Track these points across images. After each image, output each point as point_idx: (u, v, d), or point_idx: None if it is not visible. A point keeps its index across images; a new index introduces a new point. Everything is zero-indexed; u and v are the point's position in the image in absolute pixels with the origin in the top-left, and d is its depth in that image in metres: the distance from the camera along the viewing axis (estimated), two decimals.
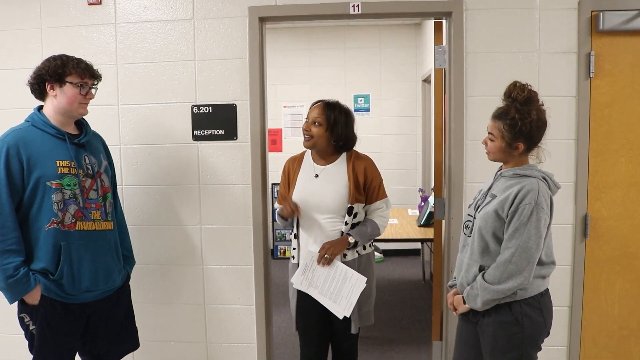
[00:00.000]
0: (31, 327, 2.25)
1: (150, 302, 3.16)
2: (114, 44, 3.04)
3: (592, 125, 2.87)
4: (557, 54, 2.85)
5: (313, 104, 2.69)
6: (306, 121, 2.65)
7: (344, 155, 2.70)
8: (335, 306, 2.56)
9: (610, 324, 2.98)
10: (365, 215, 2.69)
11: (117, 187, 3.02)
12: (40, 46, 3.04)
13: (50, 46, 3.02)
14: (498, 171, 2.25)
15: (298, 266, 2.67)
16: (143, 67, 3.04)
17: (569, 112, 2.87)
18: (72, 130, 2.37)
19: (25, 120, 2.32)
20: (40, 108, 2.35)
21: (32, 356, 2.28)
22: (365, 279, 2.56)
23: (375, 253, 6.69)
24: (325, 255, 2.54)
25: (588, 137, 2.87)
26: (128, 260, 2.63)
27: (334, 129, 2.61)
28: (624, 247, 2.93)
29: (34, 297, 2.20)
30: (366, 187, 2.65)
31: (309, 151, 2.76)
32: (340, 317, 2.56)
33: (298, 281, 2.63)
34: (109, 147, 2.67)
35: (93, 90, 2.38)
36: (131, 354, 2.62)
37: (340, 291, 2.55)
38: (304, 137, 2.64)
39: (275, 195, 2.86)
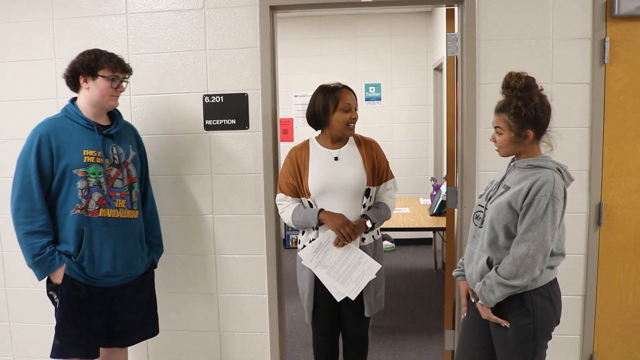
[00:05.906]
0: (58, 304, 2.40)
1: (163, 291, 3.18)
2: (125, 35, 3.05)
3: (606, 112, 2.83)
4: (571, 40, 2.81)
5: (339, 90, 2.63)
6: (345, 111, 2.61)
7: (351, 139, 2.72)
8: (342, 288, 2.57)
9: (624, 313, 2.96)
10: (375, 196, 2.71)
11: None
12: (52, 38, 3.05)
13: (61, 37, 3.03)
14: (511, 162, 2.22)
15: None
16: (154, 57, 3.04)
17: (583, 99, 2.83)
18: (103, 121, 2.51)
19: (61, 111, 2.48)
20: (74, 100, 2.49)
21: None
22: (380, 266, 2.58)
23: (387, 242, 6.71)
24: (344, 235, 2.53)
25: (602, 124, 2.83)
26: (156, 248, 2.77)
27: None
28: (639, 236, 2.90)
29: (58, 276, 2.35)
30: (376, 168, 2.68)
31: (313, 138, 2.76)
32: (338, 299, 2.58)
33: (308, 259, 2.62)
34: None
35: (124, 84, 2.52)
36: (145, 342, 2.65)
37: (350, 274, 2.57)
38: (349, 126, 2.63)
39: None
